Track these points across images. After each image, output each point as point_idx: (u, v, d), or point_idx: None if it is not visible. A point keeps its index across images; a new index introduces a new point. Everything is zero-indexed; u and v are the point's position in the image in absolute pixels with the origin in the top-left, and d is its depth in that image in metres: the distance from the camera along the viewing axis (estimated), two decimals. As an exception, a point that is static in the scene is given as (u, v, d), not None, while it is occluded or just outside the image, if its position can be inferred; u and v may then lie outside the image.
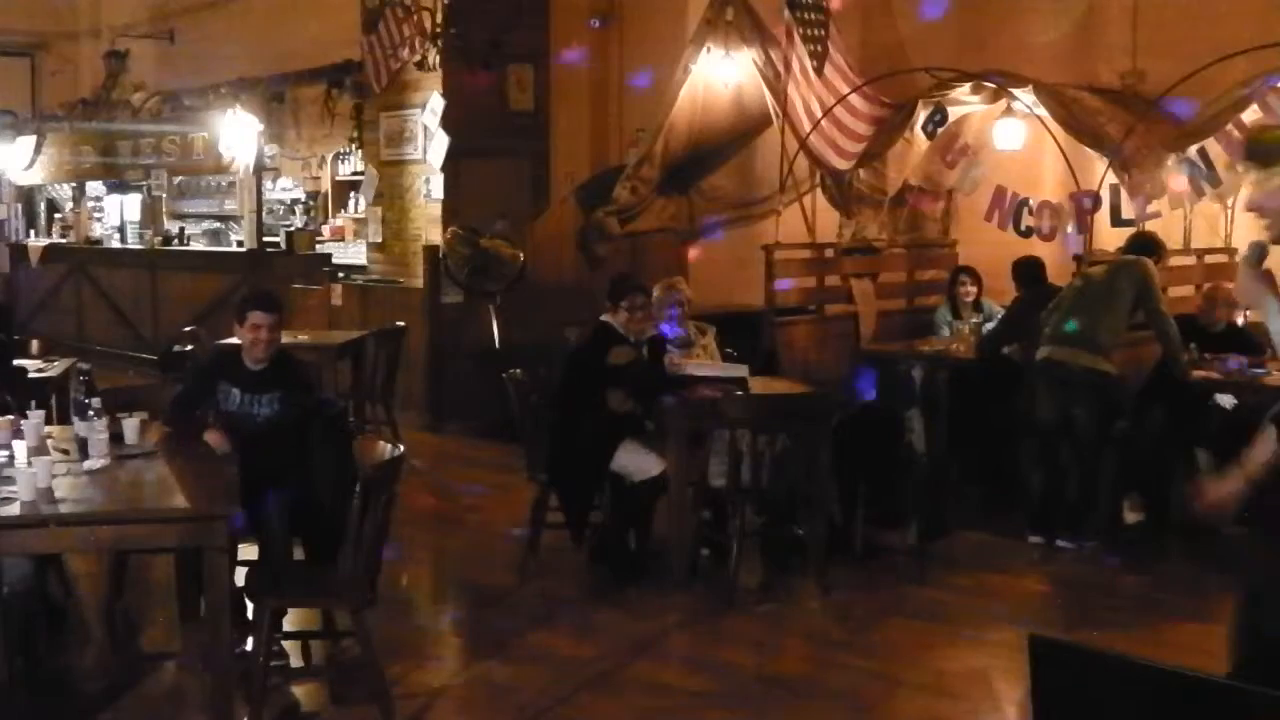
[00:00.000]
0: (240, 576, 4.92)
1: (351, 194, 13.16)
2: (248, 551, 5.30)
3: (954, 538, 6.97)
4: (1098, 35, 8.94)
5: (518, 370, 6.62)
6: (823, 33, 8.71)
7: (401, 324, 9.73)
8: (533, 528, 6.40)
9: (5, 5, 15.29)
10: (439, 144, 10.43)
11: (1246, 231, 8.45)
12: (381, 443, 5.09)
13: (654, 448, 6.30)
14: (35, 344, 8.48)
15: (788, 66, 8.71)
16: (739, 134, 9.78)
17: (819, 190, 9.40)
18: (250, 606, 4.85)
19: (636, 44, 10.83)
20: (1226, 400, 6.96)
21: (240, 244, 13.73)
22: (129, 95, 14.94)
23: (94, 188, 16.13)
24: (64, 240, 15.98)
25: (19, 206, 16.24)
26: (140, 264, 14.33)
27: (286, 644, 5.21)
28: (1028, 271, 7.92)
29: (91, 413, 4.97)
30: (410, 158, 10.87)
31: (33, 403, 6.09)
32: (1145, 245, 7.08)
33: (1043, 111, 8.15)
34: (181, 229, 14.96)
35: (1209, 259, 8.51)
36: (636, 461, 6.26)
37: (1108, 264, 7.14)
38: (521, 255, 10.04)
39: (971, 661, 5.44)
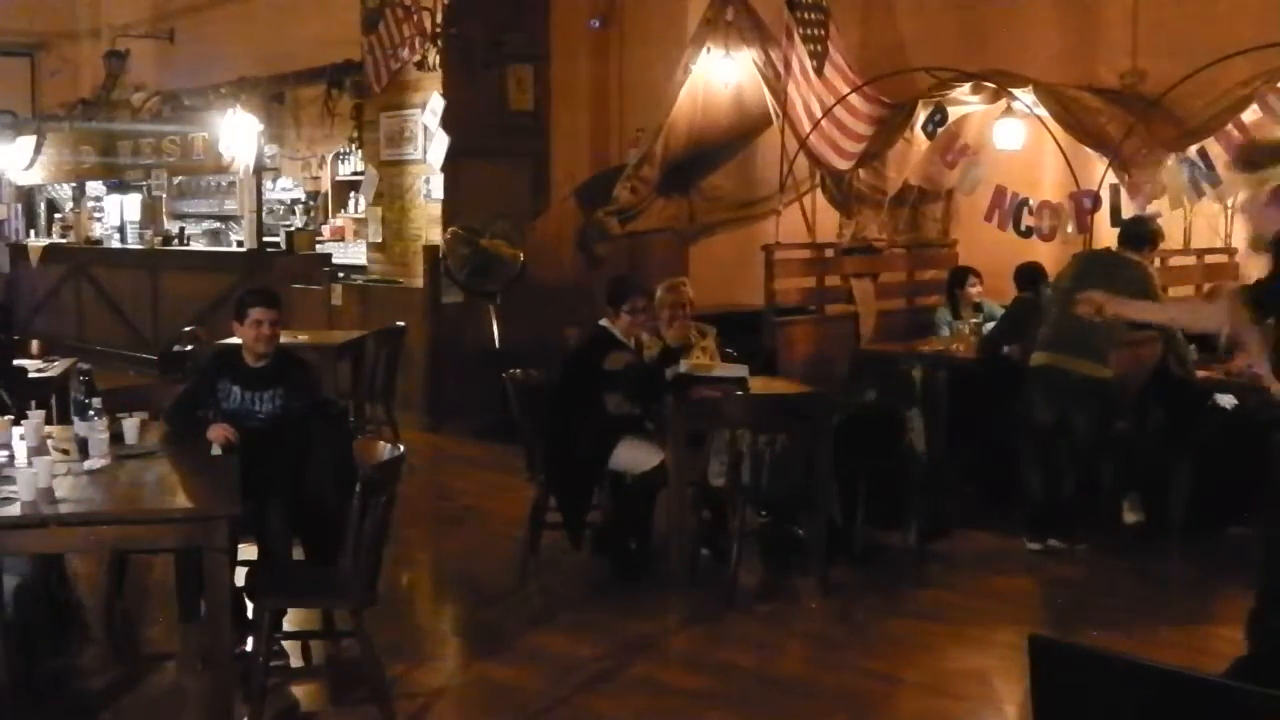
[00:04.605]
0: (240, 576, 4.92)
1: (351, 194, 13.17)
2: (248, 551, 5.30)
3: (954, 538, 6.97)
4: (1098, 35, 8.93)
5: (518, 370, 6.62)
6: (823, 33, 8.69)
7: (401, 324, 9.72)
8: (533, 528, 6.40)
9: (5, 5, 15.30)
10: (439, 144, 10.42)
11: (1246, 232, 8.48)
12: (381, 443, 5.09)
13: (653, 442, 6.30)
14: (35, 344, 8.48)
15: (788, 66, 8.70)
16: (739, 134, 9.77)
17: (819, 190, 9.39)
18: (250, 606, 4.85)
19: (636, 44, 10.83)
20: (1227, 400, 6.95)
21: (240, 244, 13.74)
22: (129, 95, 14.95)
23: (94, 188, 16.13)
24: (64, 240, 15.98)
25: (19, 206, 16.25)
26: (140, 264, 14.34)
27: (286, 644, 5.21)
28: (1028, 275, 7.93)
29: (91, 413, 4.97)
30: (410, 158, 10.87)
31: (33, 403, 6.09)
32: (1140, 235, 7.05)
33: (1043, 111, 8.14)
34: (181, 229, 14.97)
35: (1209, 259, 8.51)
36: (635, 455, 6.26)
37: (1105, 263, 7.11)
38: (521, 255, 10.04)
39: (971, 661, 5.44)
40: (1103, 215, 8.14)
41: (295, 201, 14.37)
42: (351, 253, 12.42)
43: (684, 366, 6.36)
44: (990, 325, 8.26)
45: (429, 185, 10.71)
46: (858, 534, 6.61)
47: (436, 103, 10.44)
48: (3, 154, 14.95)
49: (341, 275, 11.58)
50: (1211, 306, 3.64)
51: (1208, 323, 3.67)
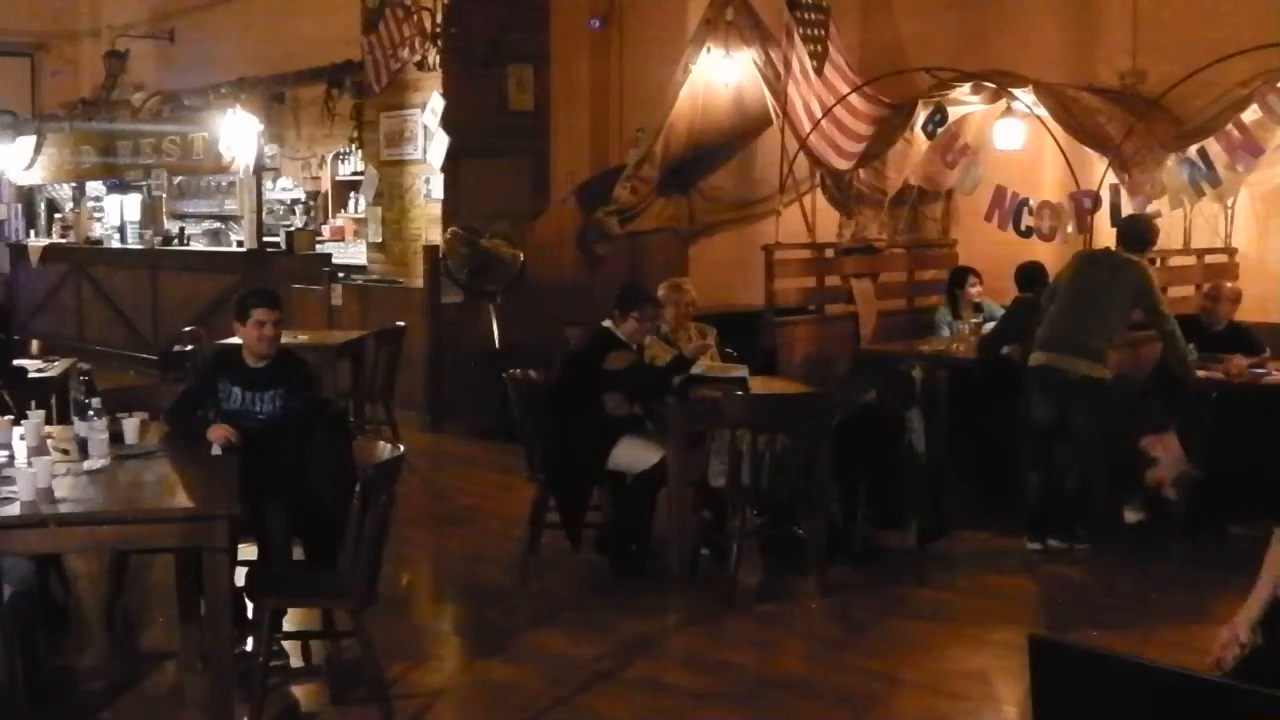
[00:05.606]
0: (240, 576, 4.92)
1: (351, 194, 13.17)
2: (248, 551, 5.30)
3: (954, 538, 6.97)
4: (1098, 35, 8.93)
5: (518, 370, 6.62)
6: (823, 33, 8.69)
7: (401, 324, 9.73)
8: (533, 528, 6.40)
9: (5, 5, 15.31)
10: (439, 144, 10.43)
11: (1247, 231, 8.49)
12: (381, 443, 5.09)
13: (652, 440, 6.30)
14: (35, 344, 8.47)
15: (788, 66, 8.70)
16: (739, 134, 9.78)
17: (819, 190, 9.39)
18: (250, 606, 4.85)
19: (636, 44, 10.83)
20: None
21: (240, 244, 13.74)
22: (129, 95, 14.96)
23: (94, 188, 16.12)
24: (64, 240, 15.98)
25: (19, 206, 16.25)
26: (140, 264, 14.33)
27: (286, 644, 5.21)
28: (1029, 274, 7.93)
29: (91, 413, 4.97)
30: (410, 158, 10.88)
31: (33, 403, 6.09)
32: (1139, 234, 7.04)
33: (1043, 111, 8.14)
34: (181, 229, 14.97)
35: (1209, 259, 8.51)
36: (634, 453, 6.26)
37: (1104, 263, 7.11)
38: (521, 255, 10.04)
39: (971, 661, 5.44)
40: (1103, 215, 8.14)
41: (295, 201, 14.37)
42: (351, 253, 12.42)
43: (699, 368, 6.40)
44: (990, 325, 8.26)
45: (429, 185, 10.71)
46: (858, 534, 6.61)
47: (436, 103, 10.45)
48: (3, 154, 14.94)
49: (341, 275, 11.58)
50: None
51: None
